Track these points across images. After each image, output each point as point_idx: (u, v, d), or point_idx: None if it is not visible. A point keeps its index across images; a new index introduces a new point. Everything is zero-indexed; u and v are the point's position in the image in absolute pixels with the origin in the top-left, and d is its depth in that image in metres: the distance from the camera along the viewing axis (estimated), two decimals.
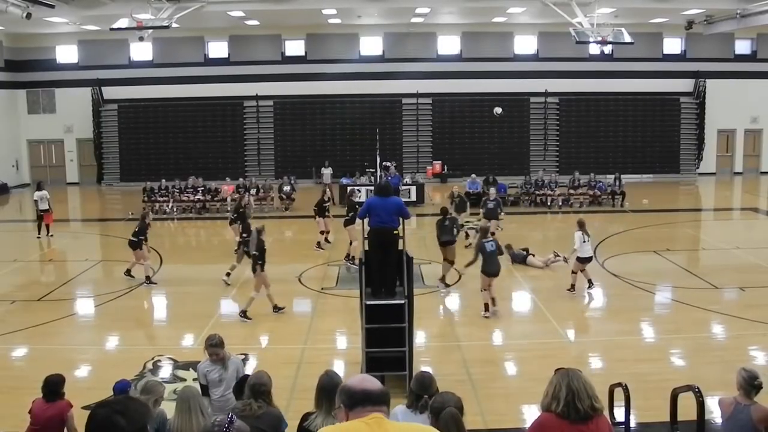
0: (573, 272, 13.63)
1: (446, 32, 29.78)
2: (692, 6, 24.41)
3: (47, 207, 19.54)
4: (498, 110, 20.67)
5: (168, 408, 6.02)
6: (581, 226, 13.38)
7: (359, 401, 2.90)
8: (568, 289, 13.55)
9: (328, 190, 18.65)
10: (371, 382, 3.00)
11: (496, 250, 12.40)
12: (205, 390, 6.83)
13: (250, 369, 9.55)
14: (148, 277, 14.72)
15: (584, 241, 13.26)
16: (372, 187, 18.49)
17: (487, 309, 12.22)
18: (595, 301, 13.80)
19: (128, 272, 14.98)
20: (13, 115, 30.15)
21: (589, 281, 13.60)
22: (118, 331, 12.04)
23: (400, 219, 9.29)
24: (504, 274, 15.39)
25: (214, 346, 6.88)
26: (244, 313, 12.27)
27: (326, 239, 17.75)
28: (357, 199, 15.23)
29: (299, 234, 20.00)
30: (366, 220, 9.55)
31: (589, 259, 13.50)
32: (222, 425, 3.15)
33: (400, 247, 9.40)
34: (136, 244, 14.69)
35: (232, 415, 3.31)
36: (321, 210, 17.58)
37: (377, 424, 2.79)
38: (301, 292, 14.40)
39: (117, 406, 2.66)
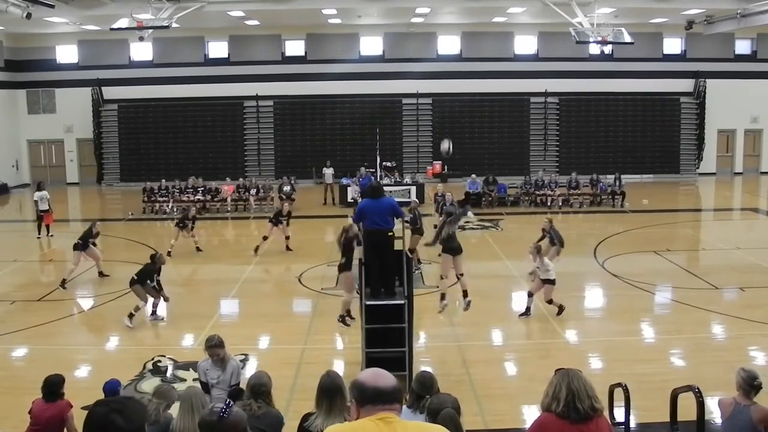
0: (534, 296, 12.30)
1: (446, 32, 29.77)
2: (692, 6, 24.40)
3: (47, 207, 19.56)
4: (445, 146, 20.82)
5: (170, 409, 6.03)
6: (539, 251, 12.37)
7: (370, 399, 2.85)
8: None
9: (286, 205, 18.47)
10: (384, 379, 2.92)
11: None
12: (206, 387, 6.86)
13: (250, 369, 9.56)
14: (64, 280, 14.71)
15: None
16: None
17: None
18: (595, 301, 13.80)
19: (101, 274, 15.31)
20: (13, 115, 30.14)
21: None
22: (118, 331, 12.03)
23: (395, 219, 9.32)
24: (505, 274, 15.43)
25: (214, 346, 6.90)
26: (342, 318, 11.38)
27: (287, 246, 17.69)
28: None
29: (299, 234, 19.95)
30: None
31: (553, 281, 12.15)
32: (220, 411, 3.15)
33: (399, 247, 9.41)
34: (77, 246, 14.84)
35: (230, 401, 3.31)
36: (276, 221, 17.48)
37: (385, 424, 2.75)
38: (301, 292, 14.41)
39: (115, 405, 2.68)
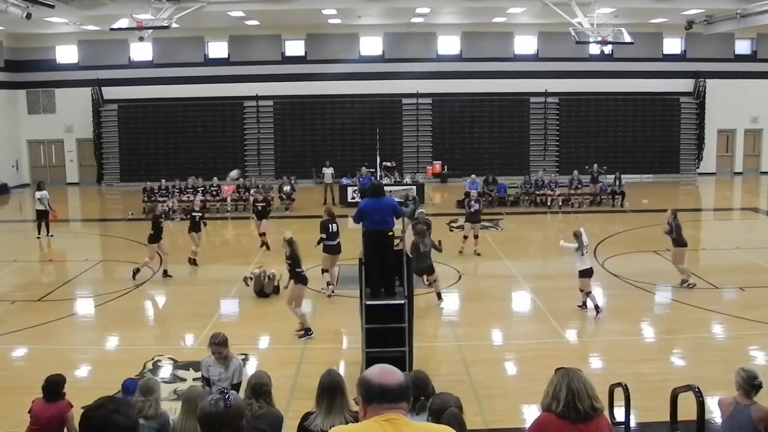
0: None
1: (446, 32, 29.77)
2: (692, 6, 24.40)
3: (47, 207, 19.53)
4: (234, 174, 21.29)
5: (167, 407, 6.04)
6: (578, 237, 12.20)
7: (376, 397, 2.79)
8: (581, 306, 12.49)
9: (255, 192, 18.52)
10: (391, 376, 2.84)
11: (430, 250, 12.78)
12: (208, 383, 6.89)
13: (250, 369, 9.56)
14: (137, 269, 15.03)
15: (584, 254, 12.23)
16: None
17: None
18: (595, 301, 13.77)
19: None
20: (13, 115, 30.13)
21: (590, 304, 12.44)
22: (118, 331, 12.04)
23: (395, 219, 9.34)
24: (505, 274, 15.43)
25: (218, 344, 6.93)
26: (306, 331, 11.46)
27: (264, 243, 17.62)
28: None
29: (299, 234, 19.85)
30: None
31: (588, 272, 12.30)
32: (220, 400, 3.13)
33: (399, 247, 9.43)
34: (151, 238, 15.08)
35: (230, 391, 3.30)
36: (257, 213, 17.66)
37: (391, 425, 2.70)
38: None
39: (111, 405, 2.77)
